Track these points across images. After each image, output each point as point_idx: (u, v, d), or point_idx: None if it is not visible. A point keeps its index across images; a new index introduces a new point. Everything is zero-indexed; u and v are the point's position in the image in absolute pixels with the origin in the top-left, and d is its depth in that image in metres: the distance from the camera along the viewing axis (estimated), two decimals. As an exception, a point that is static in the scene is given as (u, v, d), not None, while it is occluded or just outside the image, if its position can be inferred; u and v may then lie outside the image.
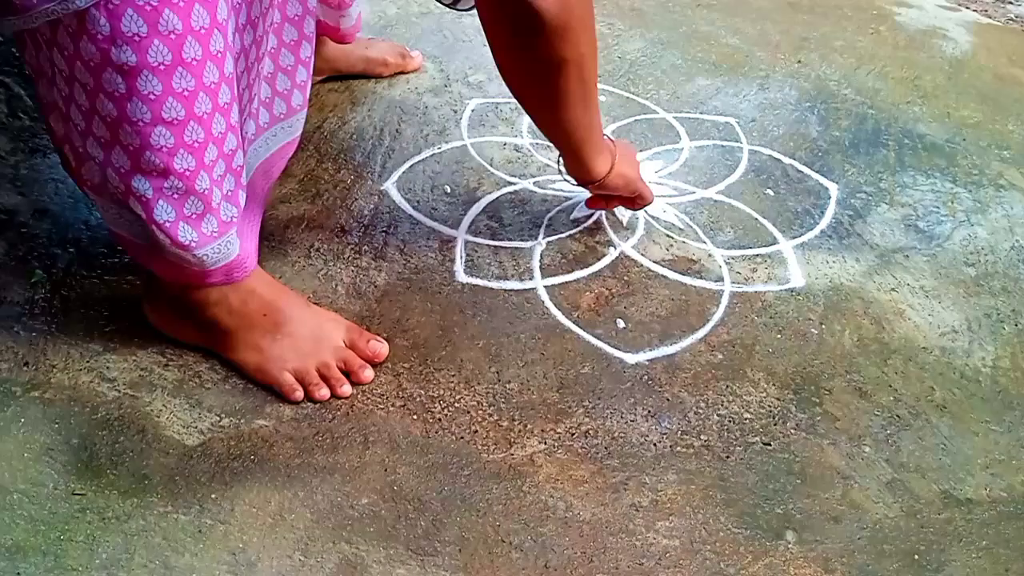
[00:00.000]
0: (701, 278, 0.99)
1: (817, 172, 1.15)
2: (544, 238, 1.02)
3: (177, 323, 0.85)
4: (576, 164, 0.91)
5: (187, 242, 0.74)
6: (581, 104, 0.83)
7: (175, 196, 0.71)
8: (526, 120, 1.19)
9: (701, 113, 1.23)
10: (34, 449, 0.77)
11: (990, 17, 1.61)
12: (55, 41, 0.66)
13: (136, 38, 0.63)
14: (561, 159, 0.94)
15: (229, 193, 0.75)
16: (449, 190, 1.07)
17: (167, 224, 0.72)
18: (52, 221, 0.97)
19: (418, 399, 0.85)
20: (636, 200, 1.00)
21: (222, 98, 0.70)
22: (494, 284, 0.96)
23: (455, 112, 1.19)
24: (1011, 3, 1.73)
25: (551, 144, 0.93)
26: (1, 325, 0.87)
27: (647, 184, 1.00)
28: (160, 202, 0.71)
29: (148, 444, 0.79)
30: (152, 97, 0.66)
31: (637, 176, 0.98)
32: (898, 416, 0.87)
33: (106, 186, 0.72)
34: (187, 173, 0.70)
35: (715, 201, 1.09)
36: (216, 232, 0.75)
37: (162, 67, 0.65)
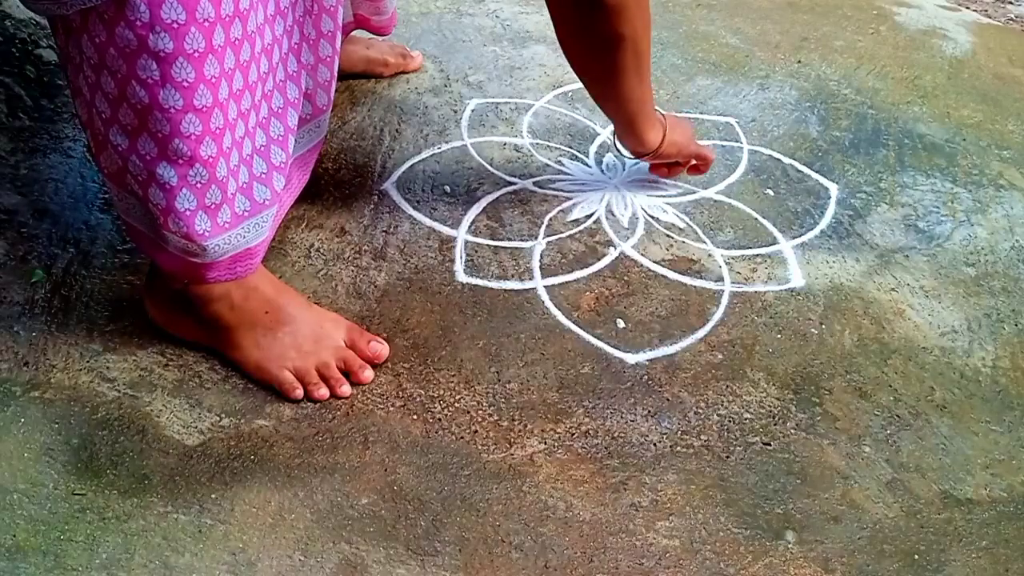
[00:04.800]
0: (701, 278, 0.99)
1: (817, 172, 1.15)
2: (544, 238, 1.02)
3: (178, 320, 0.85)
4: (631, 136, 1.00)
5: (201, 231, 0.74)
6: (636, 77, 0.90)
7: (198, 185, 0.72)
8: (526, 120, 1.19)
9: (701, 113, 1.23)
10: (34, 449, 0.77)
11: (990, 17, 1.61)
12: (85, 28, 0.66)
13: (175, 25, 0.64)
14: (615, 134, 1.02)
15: (244, 185, 0.76)
16: (449, 190, 1.07)
17: (187, 213, 0.73)
18: (52, 221, 0.97)
19: (418, 399, 0.85)
20: (699, 164, 1.08)
21: (236, 84, 0.71)
22: (494, 284, 0.96)
23: (455, 112, 1.19)
24: (1011, 3, 1.73)
25: (606, 117, 1.01)
26: (1, 325, 0.87)
27: (702, 146, 1.08)
28: (183, 190, 0.72)
29: (148, 444, 0.79)
30: (186, 84, 0.67)
31: (690, 141, 1.05)
32: (898, 416, 0.87)
33: (125, 174, 0.72)
34: (210, 160, 0.71)
35: (715, 201, 1.09)
36: (228, 223, 0.76)
37: (196, 54, 0.66)
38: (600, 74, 0.90)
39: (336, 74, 0.87)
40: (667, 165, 1.08)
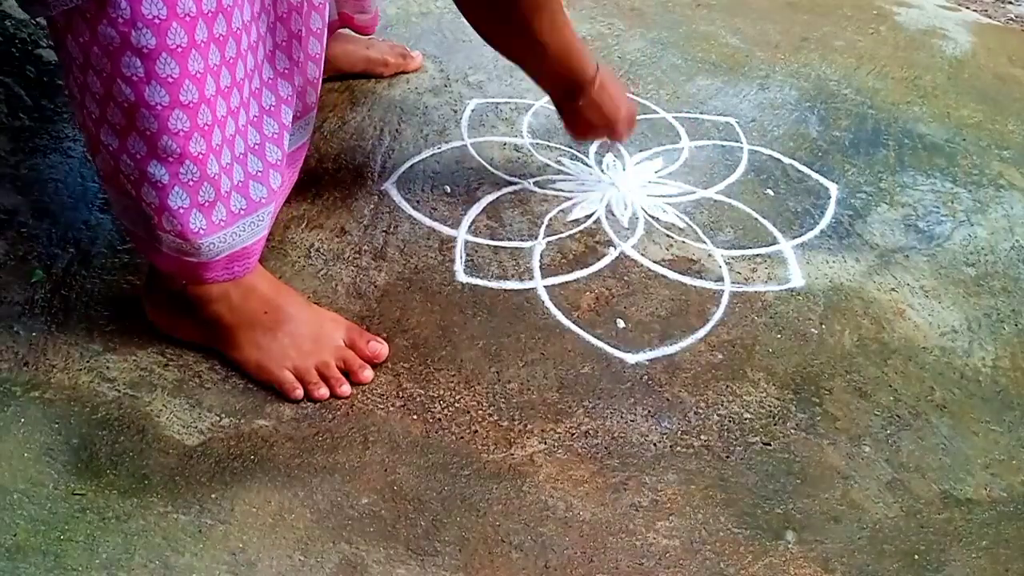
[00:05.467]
0: (701, 278, 0.99)
1: (817, 172, 1.15)
2: (544, 238, 1.02)
3: (178, 321, 0.85)
4: (572, 60, 0.94)
5: (196, 229, 0.74)
6: (560, 8, 0.89)
7: (190, 183, 0.72)
8: (526, 120, 1.19)
9: (701, 113, 1.23)
10: (34, 449, 0.77)
11: (990, 17, 1.61)
12: (70, 29, 0.66)
13: (156, 21, 0.65)
14: (554, 101, 1.01)
15: (240, 184, 0.76)
16: (449, 190, 1.07)
17: (180, 211, 0.73)
18: (52, 221, 0.97)
19: (418, 399, 0.85)
20: (620, 126, 1.02)
21: (223, 81, 0.71)
22: (494, 284, 0.96)
23: (455, 112, 1.19)
24: (1011, 3, 1.73)
25: (541, 88, 1.01)
26: (1, 325, 0.87)
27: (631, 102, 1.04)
28: (176, 188, 0.72)
29: (148, 444, 0.79)
30: (170, 80, 0.67)
31: (624, 92, 1.02)
32: (898, 416, 0.87)
33: (118, 175, 0.72)
34: (200, 157, 0.71)
35: (715, 201, 1.09)
36: (224, 221, 0.76)
37: (179, 49, 0.66)
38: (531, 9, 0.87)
39: (322, 72, 0.87)
40: (588, 122, 1.01)
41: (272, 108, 0.79)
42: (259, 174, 0.78)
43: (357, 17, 1.13)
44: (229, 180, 0.75)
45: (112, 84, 0.67)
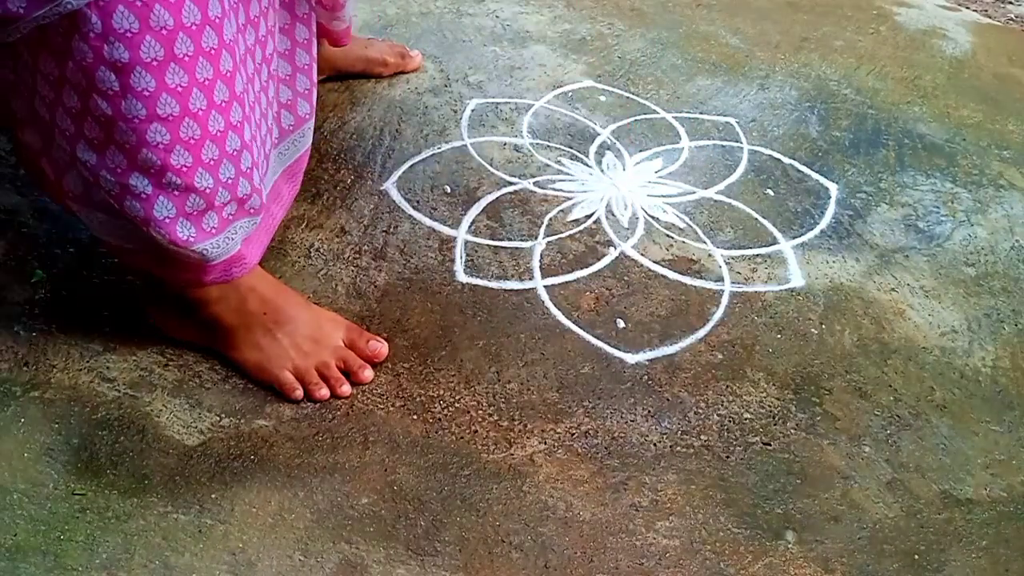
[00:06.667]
0: (701, 278, 0.99)
1: (817, 172, 1.15)
2: (544, 238, 1.02)
3: (177, 322, 0.85)
4: None
5: (184, 238, 0.73)
6: None
7: (175, 193, 0.71)
8: (526, 120, 1.19)
9: (701, 113, 1.23)
10: (34, 449, 0.77)
11: (990, 17, 1.61)
12: (45, 44, 0.65)
13: (128, 34, 0.64)
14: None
15: (244, 196, 0.75)
16: (449, 190, 1.07)
17: (166, 220, 0.72)
18: (52, 221, 0.97)
19: (418, 399, 0.85)
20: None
21: (218, 95, 0.69)
22: (494, 284, 0.96)
23: (455, 112, 1.19)
24: (1011, 3, 1.73)
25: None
26: (1, 325, 0.87)
27: None
28: (160, 198, 0.71)
29: (148, 444, 0.79)
30: (146, 93, 0.66)
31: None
32: (898, 416, 0.87)
33: (95, 191, 0.71)
34: (184, 169, 0.70)
35: (715, 201, 1.09)
36: (216, 228, 0.75)
37: (155, 63, 0.65)
38: None
39: (316, 82, 0.86)
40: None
41: (290, 127, 0.78)
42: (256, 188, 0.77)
43: (332, 24, 1.11)
44: (229, 193, 0.73)
45: (88, 99, 0.66)
